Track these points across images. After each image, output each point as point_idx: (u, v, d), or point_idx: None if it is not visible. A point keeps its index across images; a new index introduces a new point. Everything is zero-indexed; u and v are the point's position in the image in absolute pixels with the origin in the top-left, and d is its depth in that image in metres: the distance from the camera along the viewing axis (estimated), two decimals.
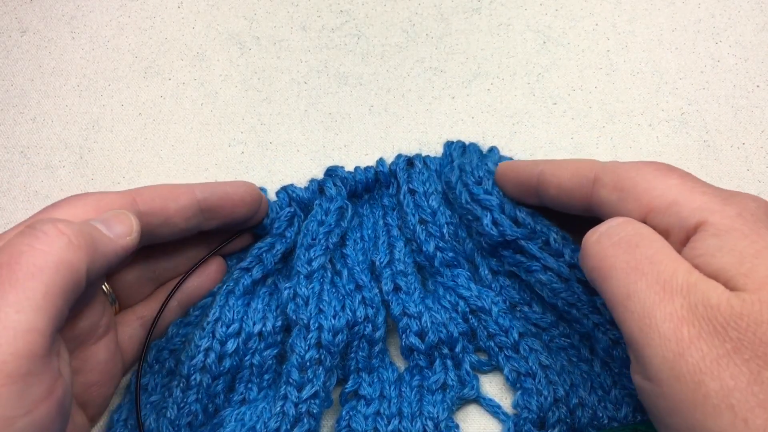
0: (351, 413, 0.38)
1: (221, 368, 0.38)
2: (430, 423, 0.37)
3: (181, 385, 0.37)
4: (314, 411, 0.36)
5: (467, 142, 0.46)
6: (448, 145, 0.45)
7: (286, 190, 0.43)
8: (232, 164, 0.47)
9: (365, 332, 0.38)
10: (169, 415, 0.37)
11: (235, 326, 0.38)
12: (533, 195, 0.38)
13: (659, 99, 0.49)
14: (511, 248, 0.39)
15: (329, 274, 0.39)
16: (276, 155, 0.48)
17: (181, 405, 0.37)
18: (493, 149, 0.46)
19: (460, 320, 0.40)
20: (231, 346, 0.38)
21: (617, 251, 0.31)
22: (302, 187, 0.43)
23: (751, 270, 0.27)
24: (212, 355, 0.37)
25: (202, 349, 0.37)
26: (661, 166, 0.33)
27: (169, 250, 0.40)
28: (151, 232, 0.36)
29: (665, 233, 0.31)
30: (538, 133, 0.48)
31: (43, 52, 0.52)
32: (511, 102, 0.49)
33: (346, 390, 0.38)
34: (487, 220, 0.39)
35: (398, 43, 0.52)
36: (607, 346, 0.37)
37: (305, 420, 0.36)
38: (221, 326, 0.38)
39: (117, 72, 0.51)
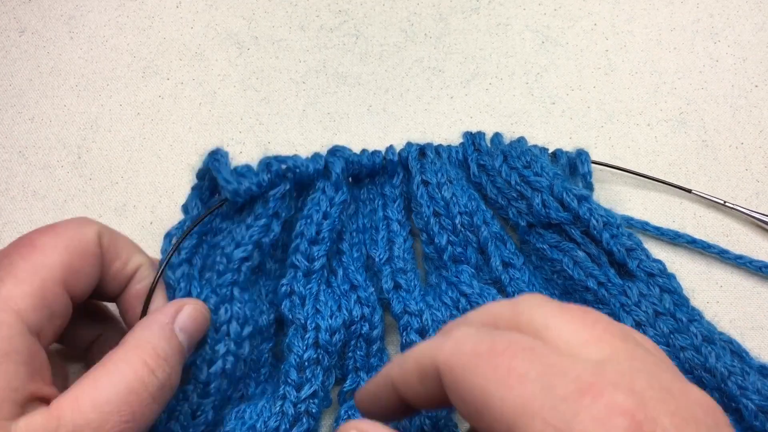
0: (349, 413, 0.38)
1: (240, 373, 0.36)
2: (428, 422, 0.37)
3: (198, 390, 0.35)
4: (313, 410, 0.36)
5: (488, 133, 0.46)
6: (471, 135, 0.45)
7: (276, 160, 0.39)
8: (231, 164, 0.47)
9: (362, 331, 0.38)
10: (182, 420, 0.35)
11: (249, 328, 0.37)
12: (409, 409, 0.29)
13: (658, 99, 0.49)
14: (552, 228, 0.41)
15: (325, 273, 0.39)
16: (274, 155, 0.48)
17: (198, 413, 0.35)
18: (521, 139, 0.46)
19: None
20: (247, 348, 0.36)
21: None
22: (299, 156, 0.40)
23: None
24: (230, 359, 0.36)
25: (220, 354, 0.35)
26: (502, 354, 0.24)
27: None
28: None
29: None
30: (536, 133, 0.48)
31: (42, 52, 0.51)
32: (509, 102, 0.49)
33: (345, 389, 0.38)
34: (537, 201, 0.41)
35: (397, 42, 0.52)
36: (632, 326, 0.38)
37: (304, 419, 0.36)
38: (236, 326, 0.36)
39: (115, 72, 0.51)
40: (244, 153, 0.48)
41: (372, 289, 0.40)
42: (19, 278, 0.30)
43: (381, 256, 0.41)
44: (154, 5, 0.53)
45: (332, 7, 0.53)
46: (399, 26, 0.52)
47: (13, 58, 0.51)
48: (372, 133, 0.48)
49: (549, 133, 0.48)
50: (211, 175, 0.39)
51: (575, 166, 0.44)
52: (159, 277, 0.36)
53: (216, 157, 0.38)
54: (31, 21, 0.53)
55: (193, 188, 0.40)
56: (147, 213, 0.46)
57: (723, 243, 0.43)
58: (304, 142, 0.48)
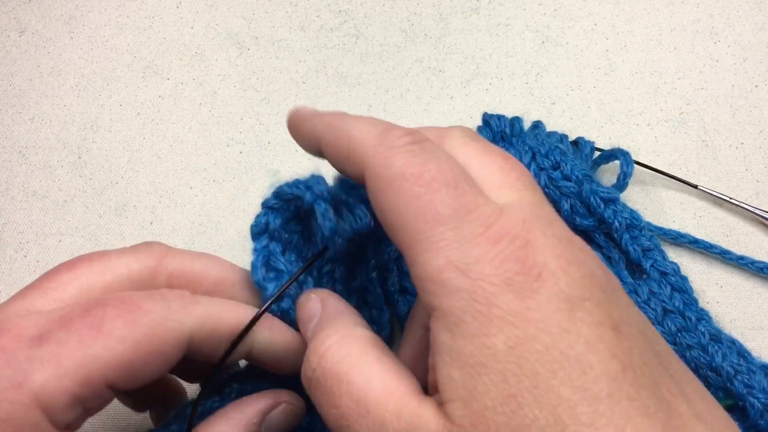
0: None
1: None
2: None
3: None
4: None
5: (509, 116, 0.45)
6: (498, 118, 0.44)
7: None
8: (231, 164, 0.47)
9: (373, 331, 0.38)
10: None
11: None
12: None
13: (658, 99, 0.49)
14: (575, 233, 0.41)
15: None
16: (274, 155, 0.48)
17: None
18: (539, 124, 0.45)
19: None
20: None
21: (321, 396, 0.26)
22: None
23: (469, 395, 0.23)
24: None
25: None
26: (427, 185, 0.25)
27: None
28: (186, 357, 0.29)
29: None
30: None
31: (42, 52, 0.51)
32: (509, 102, 0.49)
33: None
34: (566, 206, 0.40)
35: (397, 42, 0.52)
36: None
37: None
38: None
39: (115, 72, 0.51)
40: (244, 153, 0.48)
41: (379, 290, 0.40)
42: (63, 368, 0.25)
43: (391, 254, 0.41)
44: (154, 5, 0.53)
45: (332, 7, 0.53)
46: (399, 26, 0.52)
47: (13, 58, 0.51)
48: None
49: None
50: (300, 203, 0.33)
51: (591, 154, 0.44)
52: (247, 329, 0.30)
53: (320, 194, 0.31)
54: (31, 21, 0.53)
55: (270, 207, 0.34)
56: (147, 213, 0.46)
57: (723, 243, 0.43)
58: None
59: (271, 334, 0.30)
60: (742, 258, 0.42)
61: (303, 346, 0.30)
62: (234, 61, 0.51)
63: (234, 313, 0.29)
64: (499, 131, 0.43)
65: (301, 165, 0.47)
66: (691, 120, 0.48)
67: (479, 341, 0.22)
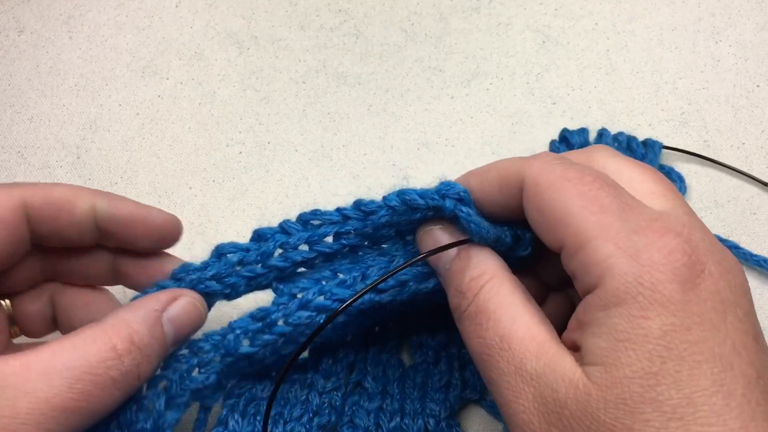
0: (354, 408, 0.38)
1: None
2: (431, 420, 0.37)
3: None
4: (336, 403, 0.37)
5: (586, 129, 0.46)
6: (577, 133, 0.45)
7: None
8: (230, 164, 0.47)
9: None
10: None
11: None
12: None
13: (659, 98, 0.48)
14: None
15: None
16: (274, 155, 0.47)
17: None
18: (603, 132, 0.45)
19: None
20: None
21: (469, 326, 0.29)
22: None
23: (612, 363, 0.25)
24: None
25: None
26: (590, 184, 0.28)
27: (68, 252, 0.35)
28: (40, 239, 0.33)
29: (572, 276, 0.28)
30: (537, 133, 0.48)
31: (41, 52, 0.51)
32: (510, 102, 0.49)
33: (351, 380, 0.39)
34: None
35: (397, 42, 0.51)
36: None
37: (327, 411, 0.37)
38: None
39: (114, 72, 0.51)
40: (244, 153, 0.47)
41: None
42: None
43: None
44: (153, 5, 0.53)
45: (332, 7, 0.53)
46: (399, 26, 0.52)
47: (12, 57, 0.51)
48: (372, 133, 0.48)
49: (550, 133, 0.47)
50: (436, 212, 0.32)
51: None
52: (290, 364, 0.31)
53: (458, 199, 0.31)
54: (30, 21, 0.53)
55: (392, 207, 0.33)
56: None
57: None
58: (303, 142, 0.48)
59: (110, 202, 0.32)
60: (755, 256, 0.42)
61: (146, 214, 0.33)
62: (233, 60, 0.51)
63: (67, 189, 0.32)
64: (579, 145, 0.44)
65: (300, 165, 0.47)
66: (693, 120, 0.48)
67: (636, 321, 0.25)
